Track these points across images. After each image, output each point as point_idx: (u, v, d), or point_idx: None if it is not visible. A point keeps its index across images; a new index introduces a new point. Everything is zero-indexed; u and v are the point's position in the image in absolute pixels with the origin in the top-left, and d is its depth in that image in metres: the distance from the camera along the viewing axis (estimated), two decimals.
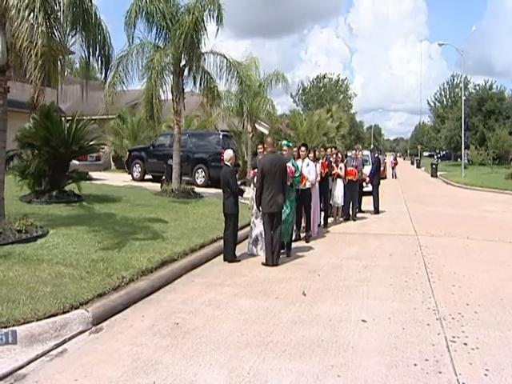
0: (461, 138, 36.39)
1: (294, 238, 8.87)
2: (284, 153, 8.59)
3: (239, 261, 7.67)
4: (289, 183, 8.00)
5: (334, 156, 12.17)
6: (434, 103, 72.54)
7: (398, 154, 76.49)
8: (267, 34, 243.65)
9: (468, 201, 17.83)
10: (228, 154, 7.90)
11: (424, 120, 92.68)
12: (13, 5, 6.83)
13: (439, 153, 71.49)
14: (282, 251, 7.85)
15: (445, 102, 69.89)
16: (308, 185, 9.29)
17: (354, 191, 12.45)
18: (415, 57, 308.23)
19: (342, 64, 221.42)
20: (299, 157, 9.61)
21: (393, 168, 32.45)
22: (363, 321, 5.02)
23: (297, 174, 8.40)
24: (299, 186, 8.78)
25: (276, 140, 9.62)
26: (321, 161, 10.99)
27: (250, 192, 8.65)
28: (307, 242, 9.30)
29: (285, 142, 8.96)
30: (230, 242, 7.67)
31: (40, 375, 3.77)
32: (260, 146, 9.49)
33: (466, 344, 4.43)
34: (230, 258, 7.64)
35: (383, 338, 4.57)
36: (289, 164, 8.08)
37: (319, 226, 10.71)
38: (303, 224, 9.67)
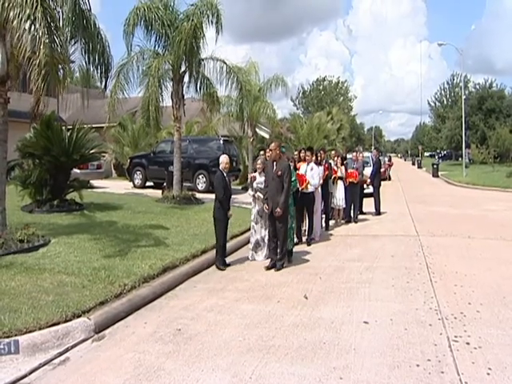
0: (461, 137, 36.25)
1: (295, 241, 8.81)
2: None
3: (223, 270, 7.47)
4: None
5: (335, 159, 12.18)
6: (435, 103, 72.57)
7: (399, 155, 76.34)
8: (266, 38, 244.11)
9: (469, 200, 17.79)
10: (221, 159, 7.80)
11: (425, 120, 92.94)
12: (14, 16, 6.89)
13: (440, 153, 71.41)
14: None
15: (445, 102, 69.88)
16: (311, 188, 9.26)
17: (355, 193, 12.45)
18: (415, 57, 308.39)
19: (341, 66, 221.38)
20: (300, 160, 9.60)
21: (386, 170, 31.99)
22: (365, 322, 5.03)
23: (292, 179, 8.15)
24: (302, 189, 8.75)
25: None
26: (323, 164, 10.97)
27: (249, 195, 8.46)
28: (309, 245, 9.30)
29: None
30: (217, 246, 7.62)
31: None
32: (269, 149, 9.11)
33: (468, 343, 4.43)
34: (217, 264, 7.58)
35: (385, 340, 4.57)
36: None
37: (321, 228, 10.69)
38: (305, 228, 9.67)
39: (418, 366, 4.00)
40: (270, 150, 7.77)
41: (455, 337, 4.59)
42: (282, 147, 8.73)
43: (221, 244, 7.60)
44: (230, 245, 8.70)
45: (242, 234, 9.62)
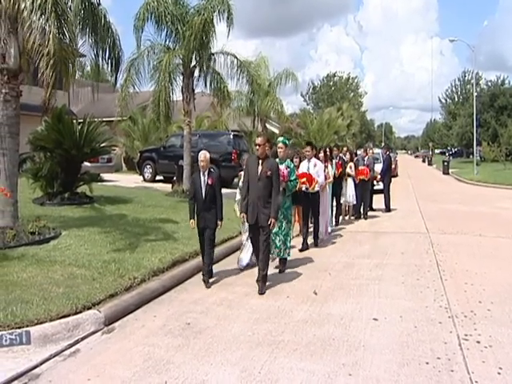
0: (473, 134, 35.94)
1: (301, 247, 8.47)
2: (279, 151, 7.18)
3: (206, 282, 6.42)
4: (281, 188, 6.70)
5: (347, 155, 12.13)
6: (446, 100, 71.77)
7: (409, 152, 75.72)
8: (276, 33, 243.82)
9: (480, 198, 17.63)
10: (199, 156, 6.52)
11: (435, 117, 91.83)
12: (25, 7, 6.94)
13: (451, 150, 70.77)
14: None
15: (456, 99, 69.07)
16: (317, 187, 8.60)
17: (366, 190, 12.39)
18: (426, 53, 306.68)
19: (352, 62, 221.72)
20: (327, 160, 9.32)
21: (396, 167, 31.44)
22: (375, 319, 5.01)
23: (292, 178, 7.05)
24: (308, 189, 8.31)
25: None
26: (334, 160, 10.85)
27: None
28: (316, 246, 8.81)
29: (281, 138, 7.56)
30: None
31: (53, 375, 3.82)
32: (256, 144, 7.55)
33: (478, 342, 4.39)
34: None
35: (395, 337, 4.55)
36: (281, 166, 6.81)
37: (331, 225, 10.59)
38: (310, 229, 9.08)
39: (427, 363, 3.97)
40: (258, 144, 6.22)
41: (465, 335, 4.55)
42: (286, 139, 7.67)
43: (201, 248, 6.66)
44: (236, 241, 8.65)
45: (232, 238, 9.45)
